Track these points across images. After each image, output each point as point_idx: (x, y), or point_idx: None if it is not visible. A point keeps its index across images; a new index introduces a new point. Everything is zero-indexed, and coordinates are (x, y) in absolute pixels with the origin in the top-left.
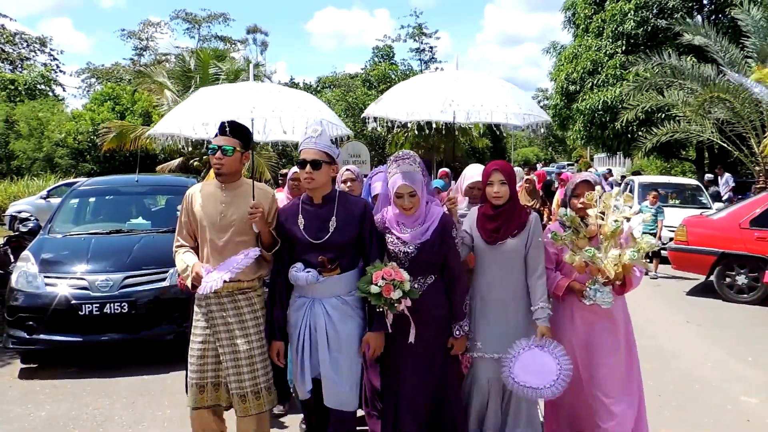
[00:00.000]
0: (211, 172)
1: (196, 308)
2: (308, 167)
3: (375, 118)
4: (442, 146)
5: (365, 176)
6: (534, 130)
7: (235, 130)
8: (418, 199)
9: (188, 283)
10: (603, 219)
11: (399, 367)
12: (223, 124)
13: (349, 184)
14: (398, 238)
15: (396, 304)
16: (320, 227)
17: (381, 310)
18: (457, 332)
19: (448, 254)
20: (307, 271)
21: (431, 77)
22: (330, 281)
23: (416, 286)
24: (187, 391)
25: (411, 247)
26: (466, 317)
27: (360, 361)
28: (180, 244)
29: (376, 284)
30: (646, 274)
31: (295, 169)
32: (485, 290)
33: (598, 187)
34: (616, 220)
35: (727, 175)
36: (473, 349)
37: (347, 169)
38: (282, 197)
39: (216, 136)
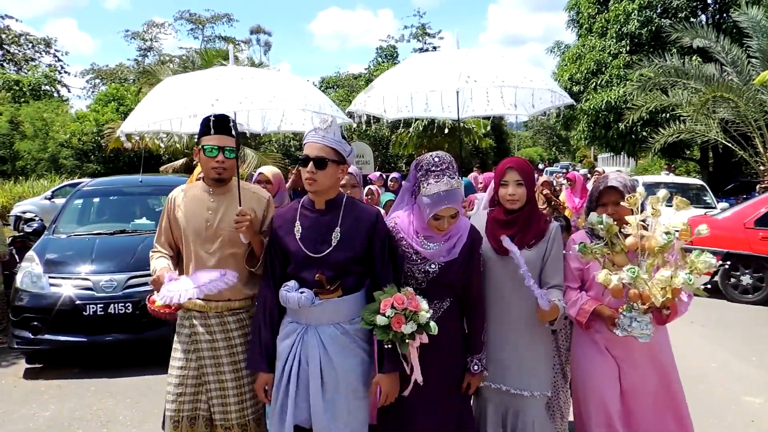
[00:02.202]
0: (270, 171)
1: (178, 327)
2: (311, 165)
3: (373, 117)
4: (445, 146)
5: (367, 177)
6: (539, 131)
7: (229, 127)
8: (457, 219)
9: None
10: (646, 229)
11: (406, 408)
12: (218, 118)
13: (349, 190)
14: (417, 253)
15: (408, 341)
16: (321, 239)
17: (389, 346)
18: (475, 367)
19: (472, 275)
20: (301, 292)
21: (436, 56)
22: (328, 305)
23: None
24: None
25: (433, 266)
26: (484, 349)
27: (362, 404)
28: (156, 250)
29: (384, 314)
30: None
31: (262, 169)
32: (492, 310)
33: (640, 189)
34: (667, 232)
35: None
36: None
37: (348, 173)
38: None
39: (205, 134)
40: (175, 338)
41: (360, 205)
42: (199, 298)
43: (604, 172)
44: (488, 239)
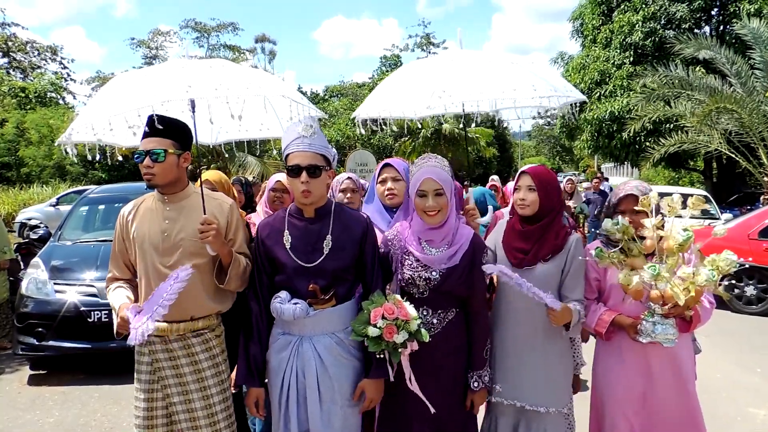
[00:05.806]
0: (215, 175)
1: (136, 356)
2: (304, 175)
3: (370, 120)
4: (449, 155)
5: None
6: (543, 140)
7: (165, 126)
8: (446, 202)
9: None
10: (663, 230)
11: (407, 420)
12: (149, 119)
13: (349, 195)
14: (418, 260)
15: (401, 349)
16: (312, 247)
17: (381, 356)
18: (476, 384)
19: (474, 287)
20: (295, 303)
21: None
22: (322, 315)
23: (435, 321)
24: None
25: (434, 273)
26: (487, 364)
27: (356, 410)
28: (113, 277)
29: (375, 325)
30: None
31: (278, 177)
32: (506, 323)
33: (653, 194)
34: (685, 229)
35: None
36: (491, 392)
37: (348, 177)
38: (259, 212)
39: (144, 136)
40: (136, 367)
41: (349, 212)
42: (159, 321)
43: (603, 176)
44: (504, 252)
